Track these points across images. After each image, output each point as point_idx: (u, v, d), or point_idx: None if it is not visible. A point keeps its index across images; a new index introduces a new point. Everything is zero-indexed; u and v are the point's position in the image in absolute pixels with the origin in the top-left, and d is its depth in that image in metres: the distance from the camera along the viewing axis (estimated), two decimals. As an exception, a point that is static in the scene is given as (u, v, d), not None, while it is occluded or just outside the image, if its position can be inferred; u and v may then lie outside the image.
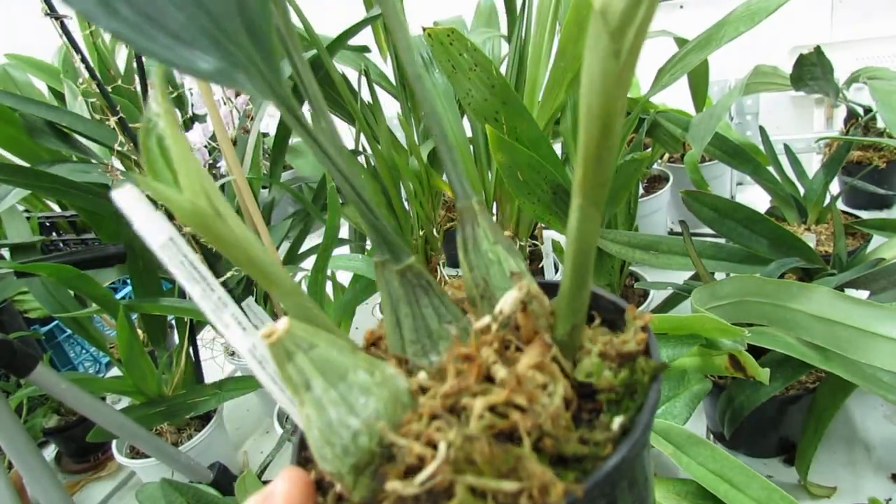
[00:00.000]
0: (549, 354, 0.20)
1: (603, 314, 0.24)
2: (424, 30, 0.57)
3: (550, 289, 0.24)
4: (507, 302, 0.21)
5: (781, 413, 0.64)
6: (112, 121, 0.60)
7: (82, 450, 0.95)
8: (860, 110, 1.03)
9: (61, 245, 1.40)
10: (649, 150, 1.04)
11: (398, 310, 0.23)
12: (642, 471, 0.21)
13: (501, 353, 0.20)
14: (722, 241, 0.79)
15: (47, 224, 1.40)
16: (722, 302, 0.60)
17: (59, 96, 1.15)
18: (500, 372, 0.19)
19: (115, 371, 1.20)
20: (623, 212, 0.79)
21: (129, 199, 0.20)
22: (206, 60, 0.18)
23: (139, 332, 0.90)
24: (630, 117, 0.63)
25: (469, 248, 0.24)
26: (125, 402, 0.84)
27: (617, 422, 0.19)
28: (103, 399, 0.80)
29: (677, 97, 1.20)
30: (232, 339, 0.22)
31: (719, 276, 0.77)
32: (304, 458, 0.23)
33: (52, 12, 0.54)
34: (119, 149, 0.62)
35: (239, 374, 1.02)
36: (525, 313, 0.21)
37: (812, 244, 0.76)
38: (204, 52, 0.17)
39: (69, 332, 1.14)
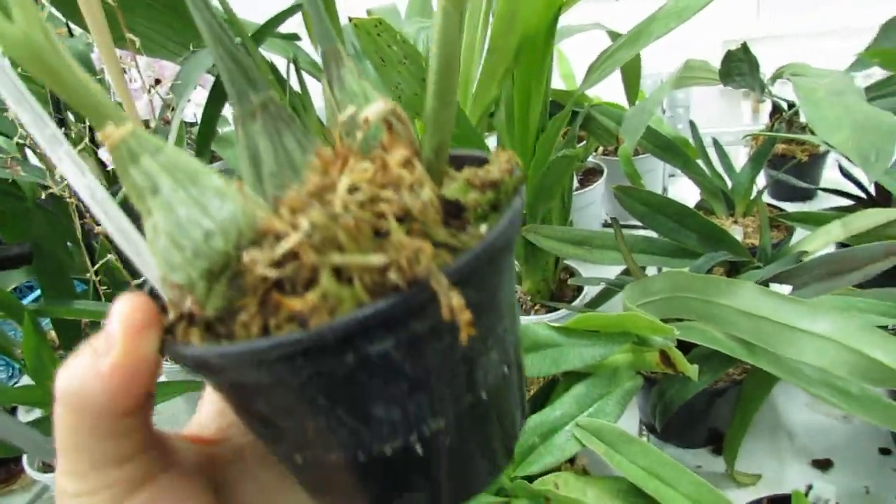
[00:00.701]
0: (417, 164, 0.18)
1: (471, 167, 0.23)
2: (351, 20, 0.55)
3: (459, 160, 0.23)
4: (374, 110, 0.19)
5: (710, 405, 0.65)
6: (11, 112, 0.55)
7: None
8: (784, 105, 1.06)
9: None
10: (583, 143, 1.04)
11: (258, 146, 0.21)
12: (507, 287, 0.20)
13: (381, 154, 0.19)
14: (653, 234, 0.80)
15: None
16: (653, 298, 0.60)
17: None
18: (364, 164, 0.18)
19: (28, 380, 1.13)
20: (558, 206, 0.79)
21: None
22: None
23: (53, 336, 0.84)
24: (563, 111, 0.62)
25: (334, 87, 0.23)
26: (38, 412, 0.79)
27: (483, 227, 0.19)
28: (14, 410, 0.75)
29: (611, 91, 1.21)
30: (70, 177, 0.19)
31: (651, 270, 0.78)
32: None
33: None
34: (20, 141, 0.58)
35: (163, 378, 0.97)
36: (390, 132, 0.19)
37: (739, 237, 0.78)
38: None
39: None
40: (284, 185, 0.21)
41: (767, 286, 0.57)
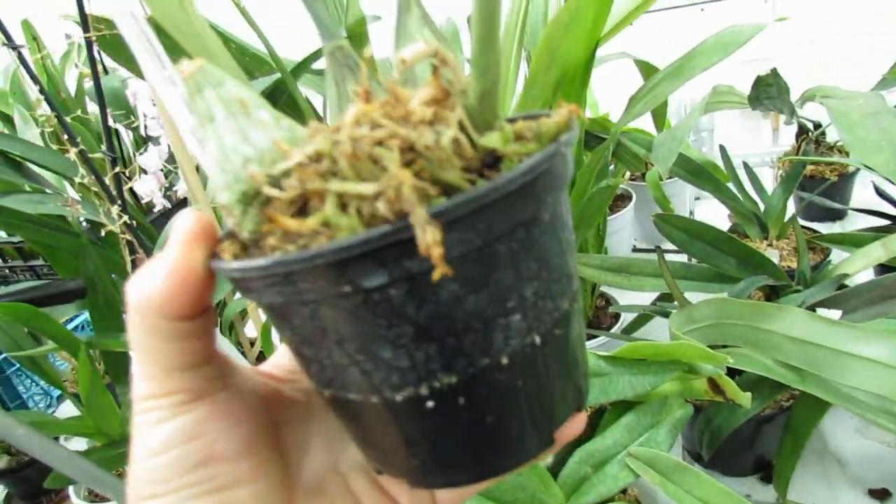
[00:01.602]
0: (452, 108, 0.18)
1: None
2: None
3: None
4: (411, 50, 0.19)
5: (757, 432, 0.65)
6: (73, 152, 0.57)
7: (34, 492, 0.90)
8: (810, 125, 1.07)
9: (7, 272, 1.34)
10: (612, 167, 1.05)
11: (330, 91, 0.23)
12: (543, 246, 0.19)
13: (395, 89, 0.19)
14: (684, 258, 0.80)
15: (-9, 251, 1.34)
16: (699, 325, 0.61)
17: (6, 119, 1.10)
18: (382, 96, 0.18)
19: (67, 405, 1.15)
20: (593, 234, 0.79)
21: None
22: None
23: (99, 366, 0.86)
24: (604, 143, 0.63)
25: (400, 33, 0.24)
26: (80, 441, 0.80)
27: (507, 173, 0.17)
28: (56, 439, 0.76)
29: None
30: (175, 115, 0.21)
31: (689, 295, 0.78)
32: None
33: (9, 42, 0.51)
34: (80, 181, 0.60)
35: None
36: (435, 77, 0.19)
37: (776, 260, 0.78)
38: None
39: (18, 364, 1.08)
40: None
41: (814, 311, 0.58)
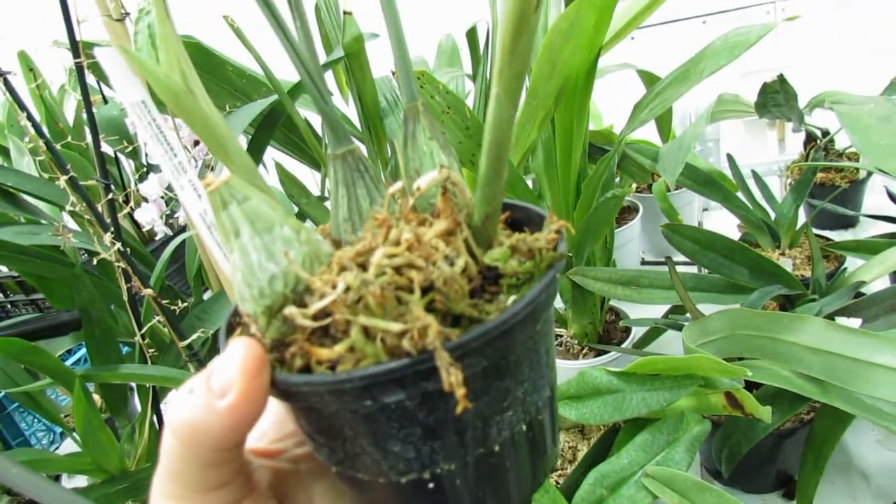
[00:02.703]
0: (460, 233, 0.21)
1: (533, 229, 0.25)
2: (394, 73, 0.55)
3: (512, 209, 0.26)
4: (426, 179, 0.22)
5: (778, 447, 0.62)
6: (62, 180, 0.56)
7: (37, 530, 0.88)
8: (818, 133, 1.05)
9: (9, 307, 1.33)
10: (617, 179, 1.03)
11: (338, 192, 0.25)
12: (535, 349, 0.22)
13: (416, 229, 0.21)
14: (694, 269, 0.78)
15: (-7, 285, 1.33)
16: (713, 337, 0.58)
17: (3, 151, 1.09)
18: (405, 234, 0.20)
19: (71, 441, 1.13)
20: (600, 247, 0.78)
21: (111, 59, 0.22)
22: None
23: (98, 398, 0.84)
24: (609, 154, 0.61)
25: (408, 143, 0.26)
26: (82, 478, 0.78)
27: (511, 299, 0.20)
28: (57, 478, 0.74)
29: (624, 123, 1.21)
30: (186, 201, 0.23)
31: (701, 307, 0.76)
32: (234, 321, 0.24)
33: (-5, 70, 0.50)
34: (71, 209, 0.58)
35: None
36: (444, 197, 0.22)
37: (789, 269, 0.76)
38: None
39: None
40: (353, 230, 0.25)
41: (833, 320, 0.55)
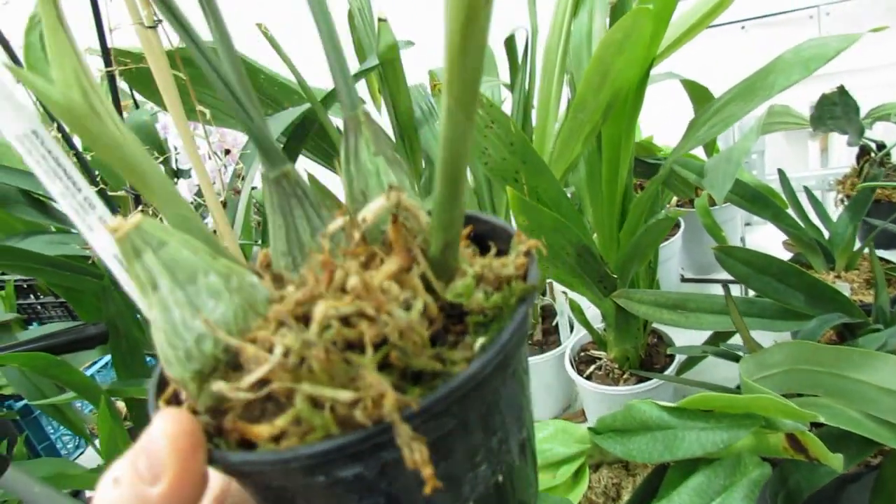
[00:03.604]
0: (417, 269, 0.19)
1: (500, 244, 0.23)
2: (434, 86, 0.52)
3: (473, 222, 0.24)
4: (372, 209, 0.20)
5: (840, 492, 0.58)
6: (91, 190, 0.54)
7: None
8: (873, 146, 0.99)
9: (39, 308, 1.33)
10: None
11: (274, 222, 0.22)
12: (507, 398, 0.20)
13: (367, 266, 0.19)
14: (737, 288, 0.73)
15: (24, 286, 1.33)
16: (771, 371, 0.54)
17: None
18: (352, 280, 0.18)
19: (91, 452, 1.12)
20: (644, 268, 0.74)
21: None
22: None
23: (121, 405, 0.83)
24: (661, 172, 0.58)
25: (350, 160, 0.23)
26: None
27: (479, 342, 0.18)
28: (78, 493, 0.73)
29: (667, 135, 1.17)
30: (96, 243, 0.21)
31: (753, 333, 0.71)
32: (165, 378, 0.20)
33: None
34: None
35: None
36: (395, 226, 0.19)
37: (847, 294, 0.72)
38: None
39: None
40: (294, 265, 0.22)
41: (904, 356, 0.51)
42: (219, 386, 0.17)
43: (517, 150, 0.53)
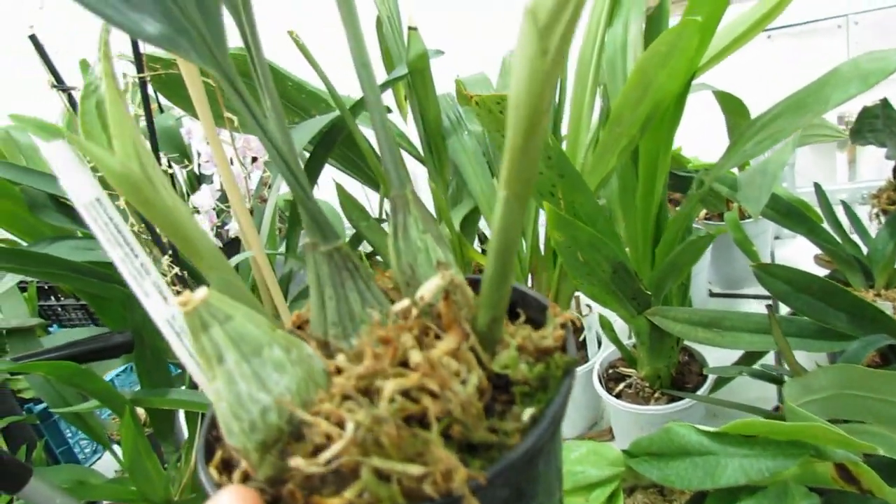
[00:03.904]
0: (467, 343, 0.20)
1: (529, 312, 0.24)
2: (471, 97, 0.51)
3: (477, 284, 0.24)
4: (429, 288, 0.22)
5: (887, 522, 0.55)
6: (123, 200, 0.53)
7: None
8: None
9: (60, 310, 1.33)
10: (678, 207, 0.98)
11: (323, 292, 0.23)
12: (552, 462, 0.22)
13: (420, 340, 0.20)
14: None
15: (45, 288, 1.33)
16: (817, 396, 0.53)
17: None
18: (414, 356, 0.19)
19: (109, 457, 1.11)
20: (677, 285, 0.72)
21: (58, 155, 0.20)
22: (153, 24, 0.18)
23: (141, 412, 0.82)
24: (703, 188, 0.56)
25: (399, 235, 0.25)
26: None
27: (528, 413, 0.19)
28: None
29: (694, 146, 1.15)
30: (151, 308, 0.21)
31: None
32: (213, 437, 0.22)
33: (59, 85, 0.48)
34: (131, 228, 0.56)
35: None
36: (447, 302, 0.21)
37: (890, 313, 0.69)
38: (151, 17, 0.18)
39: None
40: (344, 334, 0.23)
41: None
42: (297, 462, 0.17)
43: (554, 164, 0.52)
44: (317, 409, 0.18)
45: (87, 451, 1.12)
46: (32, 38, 0.51)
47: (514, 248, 0.20)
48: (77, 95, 0.53)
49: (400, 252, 0.24)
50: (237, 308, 0.19)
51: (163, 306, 0.21)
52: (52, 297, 1.38)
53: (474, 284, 0.24)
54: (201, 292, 0.19)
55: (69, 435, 1.09)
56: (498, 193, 0.19)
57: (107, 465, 1.09)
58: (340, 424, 0.18)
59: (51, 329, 1.24)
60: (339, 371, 0.20)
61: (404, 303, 0.21)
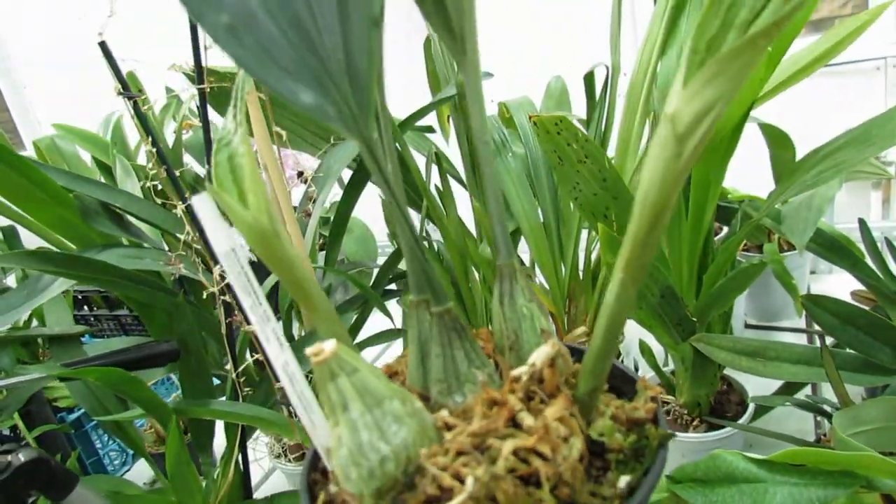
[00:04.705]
0: (571, 410, 0.21)
1: (609, 381, 0.25)
2: (531, 117, 0.52)
3: (573, 352, 0.26)
4: (540, 356, 0.23)
5: (938, 561, 0.54)
6: (180, 208, 0.55)
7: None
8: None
9: (92, 320, 1.34)
10: (718, 236, 0.98)
11: (429, 349, 0.24)
12: None
13: (526, 402, 0.22)
14: (802, 337, 0.71)
15: (79, 297, 1.35)
16: (866, 427, 0.52)
17: (104, 168, 1.11)
18: (527, 419, 0.20)
19: (141, 463, 1.12)
20: (720, 313, 0.72)
21: (204, 207, 0.21)
22: (307, 94, 0.19)
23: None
24: (754, 219, 0.56)
25: (505, 301, 0.26)
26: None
27: (624, 480, 0.20)
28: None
29: (729, 177, 1.15)
30: (270, 352, 0.23)
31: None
32: (312, 480, 0.23)
33: (125, 92, 0.50)
34: (185, 238, 0.57)
35: (278, 473, 0.94)
36: (552, 369, 0.22)
37: (934, 351, 0.68)
38: (307, 87, 0.19)
39: (95, 419, 1.06)
40: (449, 391, 0.24)
41: None
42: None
43: (609, 187, 0.52)
44: (433, 461, 0.20)
45: (115, 462, 1.12)
46: (102, 44, 0.53)
47: (622, 325, 0.21)
48: (140, 103, 0.54)
49: (506, 317, 0.26)
50: (362, 362, 0.21)
51: (279, 352, 0.22)
52: (86, 307, 1.40)
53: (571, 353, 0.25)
54: (330, 344, 0.20)
55: (99, 446, 1.09)
56: (615, 275, 0.21)
57: (136, 476, 1.10)
58: (457, 477, 0.18)
59: (83, 340, 1.26)
60: (448, 427, 0.22)
61: (522, 369, 0.22)
